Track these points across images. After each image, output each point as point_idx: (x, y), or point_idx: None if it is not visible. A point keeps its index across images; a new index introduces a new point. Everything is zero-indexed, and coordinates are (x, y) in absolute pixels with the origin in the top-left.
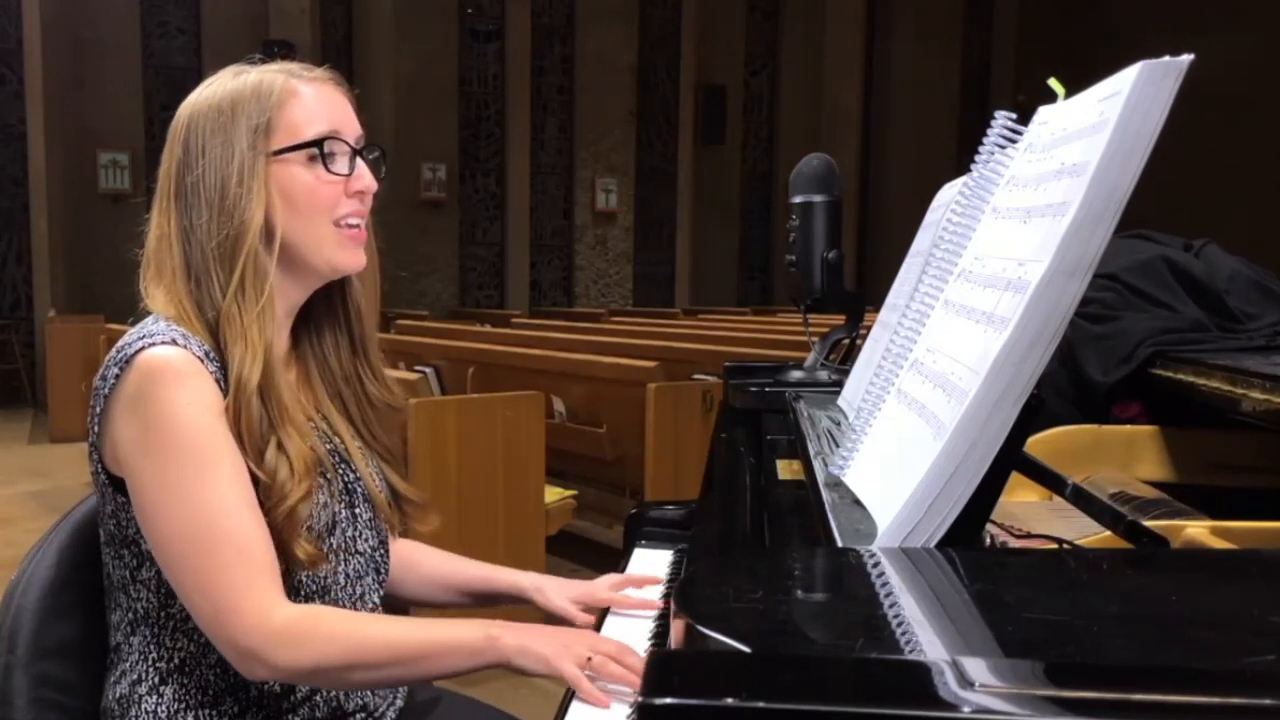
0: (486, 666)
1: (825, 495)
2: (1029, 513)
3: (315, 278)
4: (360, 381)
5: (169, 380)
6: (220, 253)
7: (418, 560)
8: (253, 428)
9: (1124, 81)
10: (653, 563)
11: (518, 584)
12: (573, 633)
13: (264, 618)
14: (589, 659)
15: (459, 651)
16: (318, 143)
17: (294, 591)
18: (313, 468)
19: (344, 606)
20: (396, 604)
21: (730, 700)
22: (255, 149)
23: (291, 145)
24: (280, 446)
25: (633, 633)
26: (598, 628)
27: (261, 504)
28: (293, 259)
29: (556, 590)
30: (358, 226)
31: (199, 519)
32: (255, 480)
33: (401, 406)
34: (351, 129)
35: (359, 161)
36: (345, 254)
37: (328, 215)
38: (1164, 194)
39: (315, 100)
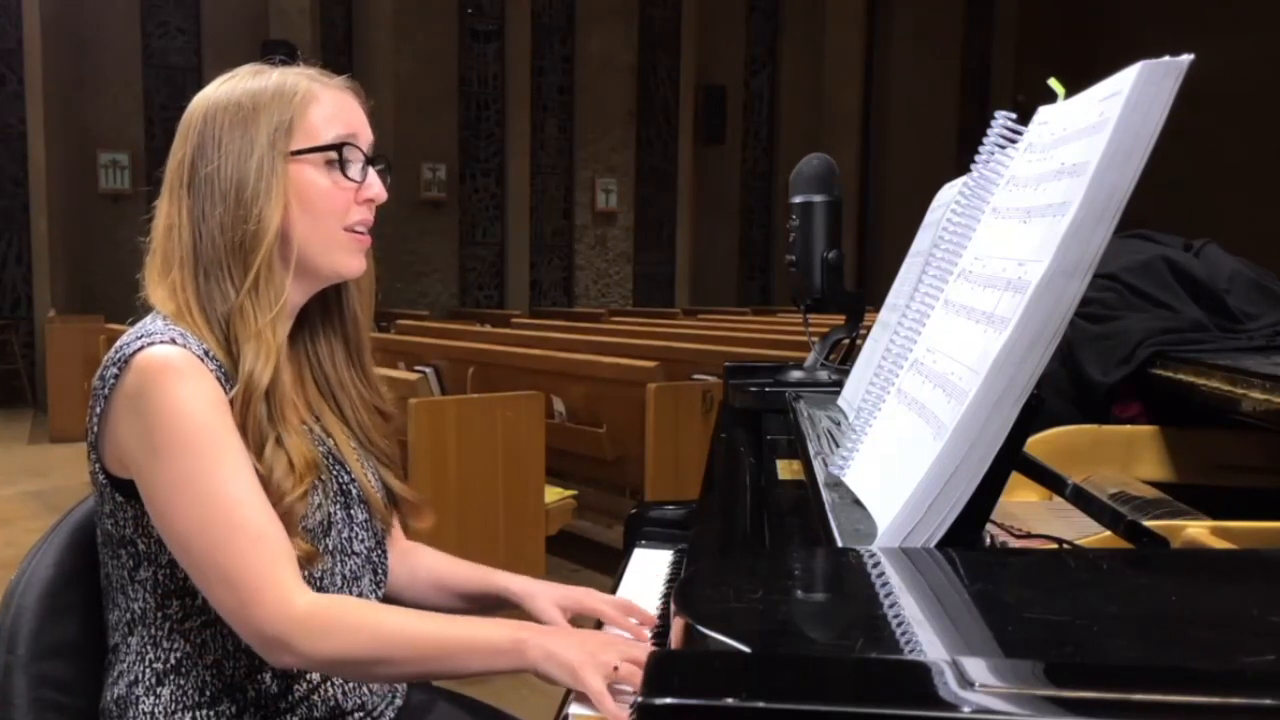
0: (512, 670)
1: (825, 495)
2: (1029, 513)
3: (317, 281)
4: (355, 388)
5: (170, 377)
6: (234, 249)
7: (419, 562)
8: (257, 426)
9: (1124, 81)
10: (653, 563)
11: (506, 588)
12: (602, 638)
13: (287, 604)
14: (616, 668)
15: (484, 652)
16: (337, 147)
17: None
18: (312, 467)
19: None
20: (400, 606)
21: (730, 700)
22: (275, 147)
23: (311, 147)
24: (279, 444)
25: None
26: None
27: None
28: (300, 261)
29: (546, 596)
30: (364, 233)
31: (213, 511)
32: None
33: (394, 414)
34: (366, 138)
35: (370, 170)
36: (350, 259)
37: (339, 220)
38: (1164, 194)
39: (335, 106)
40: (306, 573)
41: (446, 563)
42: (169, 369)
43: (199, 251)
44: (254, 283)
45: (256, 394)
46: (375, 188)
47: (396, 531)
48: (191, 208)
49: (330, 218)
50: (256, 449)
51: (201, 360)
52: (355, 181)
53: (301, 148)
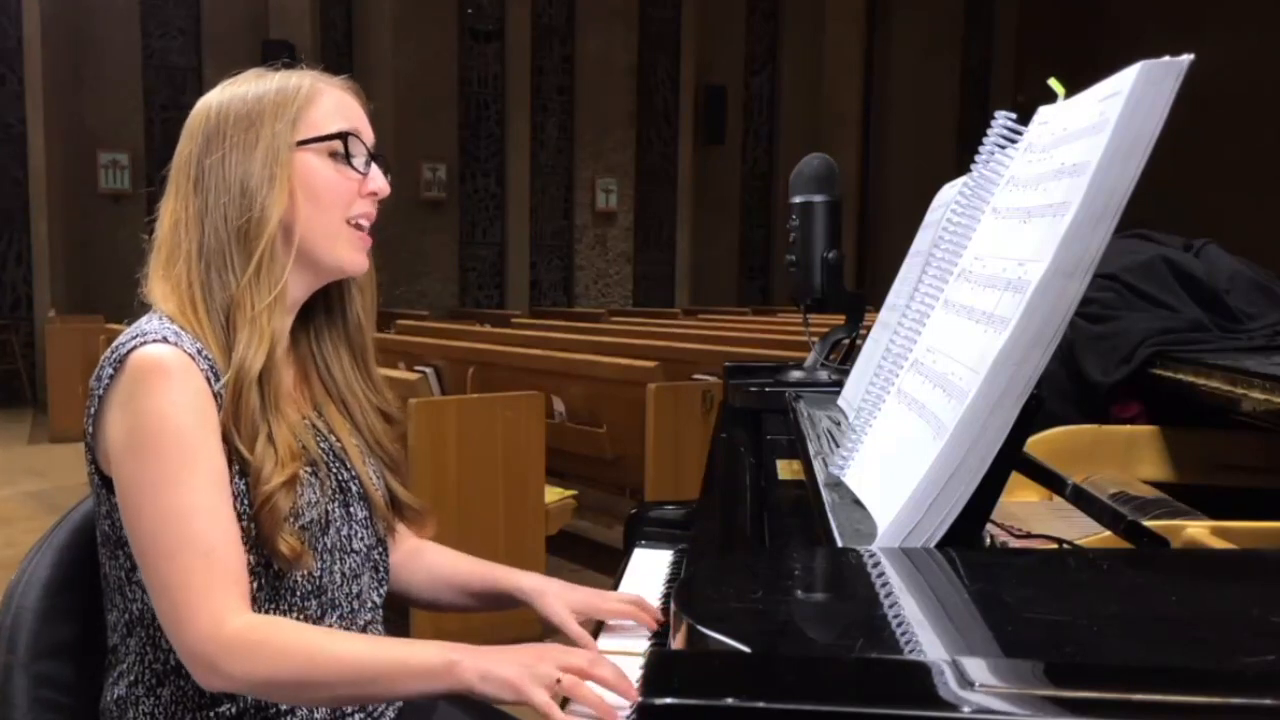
0: (449, 692)
1: (825, 495)
2: (1029, 513)
3: (318, 274)
4: (363, 392)
5: (157, 380)
6: (238, 237)
7: (424, 558)
8: (249, 413)
9: (1124, 81)
10: (653, 563)
11: (519, 586)
12: (537, 650)
13: (217, 625)
14: (558, 680)
15: (417, 675)
16: (342, 136)
17: (290, 591)
18: (297, 455)
19: (341, 605)
20: (401, 603)
21: (730, 700)
22: (280, 138)
23: (317, 136)
24: (270, 438)
25: (626, 655)
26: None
27: (245, 491)
28: (303, 252)
29: (559, 596)
30: (365, 229)
31: (168, 519)
32: (245, 467)
33: (399, 417)
34: (367, 135)
35: (373, 165)
36: (352, 253)
37: (344, 211)
38: (1164, 194)
39: (337, 102)
40: (302, 574)
41: (453, 558)
42: (158, 370)
43: (204, 243)
44: (255, 271)
45: (249, 380)
46: (379, 181)
47: (404, 529)
48: (197, 201)
49: (335, 208)
50: (249, 440)
51: (193, 359)
52: (360, 173)
53: (308, 137)
